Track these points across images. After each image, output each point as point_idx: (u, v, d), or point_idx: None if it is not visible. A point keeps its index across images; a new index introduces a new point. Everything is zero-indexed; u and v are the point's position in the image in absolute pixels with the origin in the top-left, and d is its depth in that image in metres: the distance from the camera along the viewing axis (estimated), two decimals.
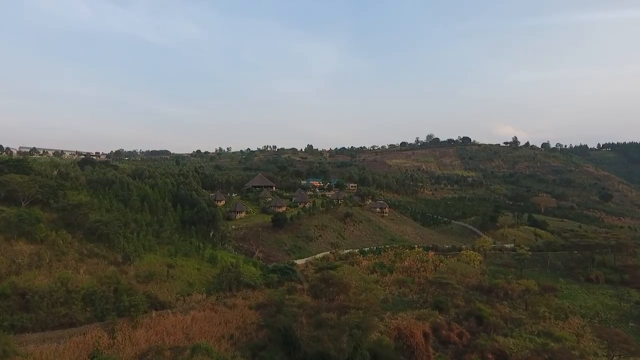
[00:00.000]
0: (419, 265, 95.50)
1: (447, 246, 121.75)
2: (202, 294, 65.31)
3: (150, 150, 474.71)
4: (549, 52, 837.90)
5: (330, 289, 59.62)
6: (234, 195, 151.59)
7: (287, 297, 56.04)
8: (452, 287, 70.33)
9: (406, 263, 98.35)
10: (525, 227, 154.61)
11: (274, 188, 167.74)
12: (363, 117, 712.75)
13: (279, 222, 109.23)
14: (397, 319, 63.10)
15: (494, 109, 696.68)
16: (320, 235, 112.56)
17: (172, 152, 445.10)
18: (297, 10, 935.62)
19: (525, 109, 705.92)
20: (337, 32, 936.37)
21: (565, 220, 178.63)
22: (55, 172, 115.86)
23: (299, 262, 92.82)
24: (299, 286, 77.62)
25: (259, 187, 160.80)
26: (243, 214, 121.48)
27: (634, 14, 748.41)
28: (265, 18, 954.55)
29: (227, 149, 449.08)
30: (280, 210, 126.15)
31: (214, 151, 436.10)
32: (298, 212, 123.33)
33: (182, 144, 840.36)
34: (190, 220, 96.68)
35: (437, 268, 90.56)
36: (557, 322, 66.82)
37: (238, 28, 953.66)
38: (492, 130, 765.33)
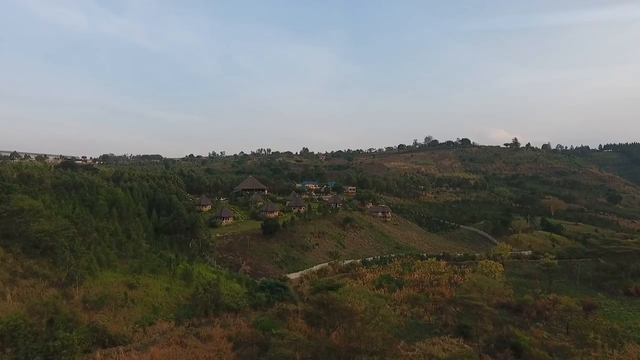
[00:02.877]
0: (431, 278, 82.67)
1: (459, 254, 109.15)
2: (170, 321, 51.89)
3: (141, 154, 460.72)
4: (545, 55, 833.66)
5: (331, 316, 46.39)
6: (222, 199, 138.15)
7: (274, 332, 42.69)
8: (480, 308, 57.27)
9: (416, 275, 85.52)
10: (540, 231, 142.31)
11: (266, 191, 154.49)
12: (359, 120, 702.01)
13: (269, 229, 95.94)
14: (414, 349, 50.32)
15: (489, 113, 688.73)
16: (317, 244, 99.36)
17: (164, 156, 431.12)
18: (291, 16, 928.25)
19: (521, 112, 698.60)
20: (333, 38, 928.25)
21: (580, 223, 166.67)
22: (15, 175, 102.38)
23: (293, 276, 79.66)
24: (292, 307, 64.38)
25: (249, 190, 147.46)
26: (230, 221, 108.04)
27: (632, 15, 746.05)
28: (260, 24, 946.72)
29: (221, 153, 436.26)
30: (272, 215, 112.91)
31: (207, 155, 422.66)
32: (292, 217, 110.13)
33: (176, 149, 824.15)
34: (165, 228, 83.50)
35: (457, 282, 77.89)
36: (611, 352, 53.90)
37: (233, 34, 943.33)
38: (487, 134, 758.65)
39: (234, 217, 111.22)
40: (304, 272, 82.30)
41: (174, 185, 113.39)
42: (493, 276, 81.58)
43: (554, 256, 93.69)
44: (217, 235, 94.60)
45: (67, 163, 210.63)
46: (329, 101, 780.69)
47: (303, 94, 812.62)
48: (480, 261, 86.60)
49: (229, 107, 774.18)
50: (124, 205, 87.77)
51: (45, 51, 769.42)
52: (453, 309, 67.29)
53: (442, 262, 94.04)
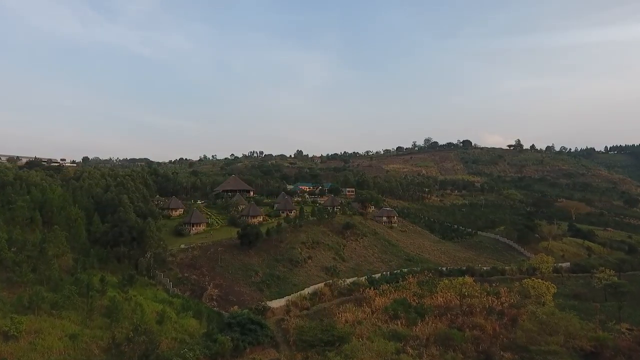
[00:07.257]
0: (461, 303, 62.31)
1: (485, 268, 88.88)
2: None
3: (128, 158, 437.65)
4: (544, 56, 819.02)
5: None
6: (198, 202, 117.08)
7: None
8: None
9: (440, 299, 65.19)
10: (570, 238, 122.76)
11: (252, 193, 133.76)
12: (355, 123, 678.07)
13: (248, 237, 74.91)
14: None
15: (487, 116, 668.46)
16: (309, 257, 78.46)
17: (152, 160, 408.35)
18: (286, 21, 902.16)
19: (520, 115, 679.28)
20: (328, 42, 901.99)
21: (609, 229, 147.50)
22: None
23: (276, 303, 58.85)
24: (271, 356, 43.94)
25: (231, 192, 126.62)
26: (201, 227, 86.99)
27: (633, 17, 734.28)
28: (255, 30, 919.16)
29: (212, 156, 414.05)
30: (255, 221, 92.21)
31: (198, 159, 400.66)
32: (279, 223, 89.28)
33: (168, 154, 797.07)
34: (104, 238, 62.52)
35: (494, 309, 57.71)
36: None
37: (228, 40, 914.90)
38: (484, 138, 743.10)
39: (207, 223, 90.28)
40: (292, 297, 61.42)
41: (132, 184, 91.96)
42: (542, 300, 61.73)
43: (613, 271, 73.77)
44: (182, 246, 73.60)
45: (32, 163, 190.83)
46: (324, 104, 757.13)
47: (298, 97, 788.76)
48: (525, 280, 66.16)
49: (223, 111, 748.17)
50: (56, 208, 66.83)
51: (41, 57, 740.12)
52: (503, 354, 47.19)
53: (469, 279, 73.31)
